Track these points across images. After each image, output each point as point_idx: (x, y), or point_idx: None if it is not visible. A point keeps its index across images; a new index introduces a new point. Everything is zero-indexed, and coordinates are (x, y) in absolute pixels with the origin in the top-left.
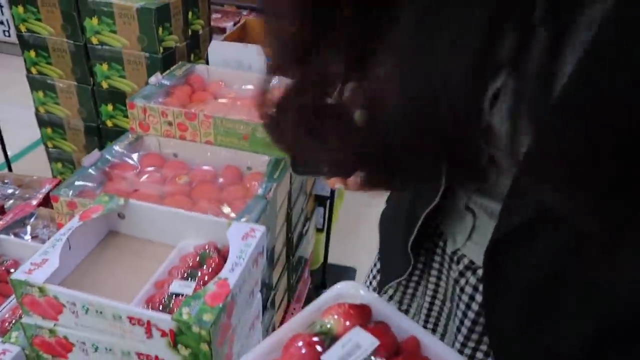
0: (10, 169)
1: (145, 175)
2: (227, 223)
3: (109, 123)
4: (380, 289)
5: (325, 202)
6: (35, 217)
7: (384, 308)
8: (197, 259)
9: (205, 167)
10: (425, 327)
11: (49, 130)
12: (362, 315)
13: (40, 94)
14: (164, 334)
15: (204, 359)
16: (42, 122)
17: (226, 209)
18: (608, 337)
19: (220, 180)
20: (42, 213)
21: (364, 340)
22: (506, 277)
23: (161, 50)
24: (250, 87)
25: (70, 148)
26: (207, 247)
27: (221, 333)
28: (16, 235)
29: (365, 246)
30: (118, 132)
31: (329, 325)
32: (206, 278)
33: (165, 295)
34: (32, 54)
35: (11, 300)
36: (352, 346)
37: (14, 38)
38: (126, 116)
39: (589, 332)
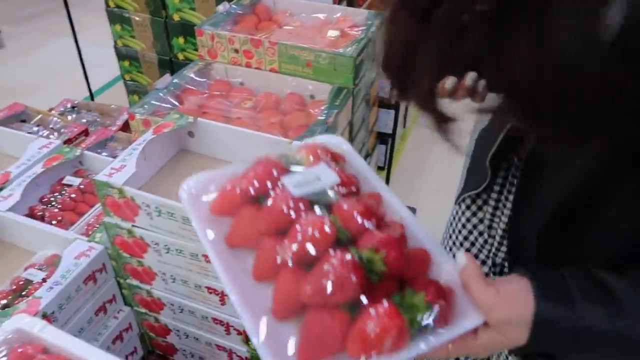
0: (92, 100)
1: (213, 100)
2: (288, 142)
3: (181, 56)
4: (456, 200)
5: (387, 140)
6: (115, 139)
7: (357, 164)
8: None
9: (270, 94)
10: None
11: (126, 63)
12: (332, 159)
13: (118, 27)
14: None
15: None
16: (120, 55)
17: (288, 133)
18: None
19: (283, 106)
20: (120, 136)
21: (326, 176)
22: (539, 190)
23: None
24: (315, 16)
25: (145, 81)
26: None
27: None
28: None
29: (425, 187)
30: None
31: (297, 157)
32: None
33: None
34: None
35: (96, 208)
36: (313, 177)
37: None
38: (196, 49)
39: (614, 252)
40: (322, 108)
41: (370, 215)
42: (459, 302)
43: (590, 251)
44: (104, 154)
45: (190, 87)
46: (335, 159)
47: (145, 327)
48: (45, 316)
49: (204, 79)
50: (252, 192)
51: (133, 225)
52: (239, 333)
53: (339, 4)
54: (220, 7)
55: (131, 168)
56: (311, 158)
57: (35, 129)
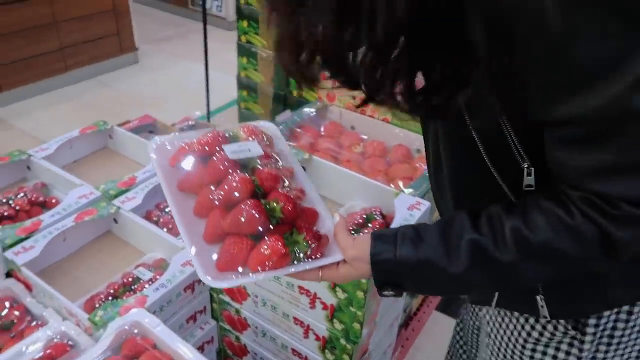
0: (208, 120)
1: (325, 140)
2: (394, 192)
3: (295, 93)
4: None
5: None
6: None
7: (282, 145)
8: (364, 218)
9: (379, 142)
10: None
11: (244, 92)
12: (263, 139)
13: (244, 59)
14: (325, 307)
15: (353, 336)
16: (240, 85)
17: (393, 183)
18: None
19: (390, 156)
20: None
21: (255, 149)
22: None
23: None
24: None
25: (258, 111)
26: (373, 210)
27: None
28: None
29: None
30: (300, 102)
31: (237, 133)
32: None
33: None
34: (245, 24)
35: None
36: (245, 148)
37: (224, 13)
38: (312, 89)
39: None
40: None
41: (278, 180)
42: (330, 247)
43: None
44: None
45: (306, 124)
46: (266, 139)
47: (224, 344)
48: None
49: (320, 119)
50: (200, 151)
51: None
52: None
53: None
54: None
55: None
56: (246, 135)
57: None
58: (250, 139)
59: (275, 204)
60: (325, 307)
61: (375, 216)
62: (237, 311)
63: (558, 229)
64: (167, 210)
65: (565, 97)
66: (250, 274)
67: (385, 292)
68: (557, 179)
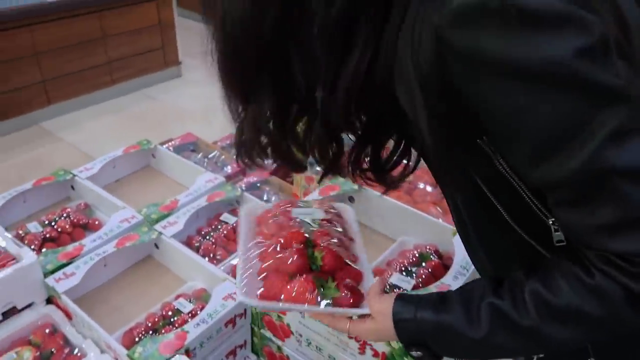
0: None
1: None
2: (452, 230)
3: None
4: None
5: None
6: (267, 182)
7: (350, 221)
8: (417, 256)
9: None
10: None
11: None
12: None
13: None
14: (375, 355)
15: None
16: None
17: (447, 218)
18: None
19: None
20: (272, 181)
21: (317, 214)
22: None
23: None
24: None
25: (300, 128)
26: (428, 248)
27: None
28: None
29: None
30: None
31: (308, 203)
32: (423, 277)
33: (386, 285)
34: None
35: None
36: (309, 212)
37: None
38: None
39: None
40: None
41: (327, 235)
42: (363, 304)
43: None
44: (255, 194)
45: None
46: (334, 213)
47: None
48: (187, 351)
49: None
50: (274, 212)
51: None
52: None
53: None
54: None
55: None
56: (315, 206)
57: (202, 159)
58: (317, 207)
59: (317, 253)
60: (376, 355)
61: (431, 256)
62: (279, 348)
63: (579, 291)
64: (207, 237)
65: (543, 165)
66: (277, 303)
67: (413, 353)
68: (570, 239)
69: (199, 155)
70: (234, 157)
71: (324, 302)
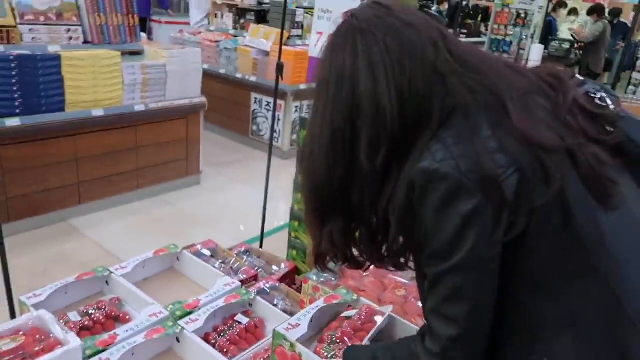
0: (262, 243)
1: (369, 283)
2: None
3: None
4: None
5: None
6: (277, 289)
7: None
8: None
9: None
10: None
11: (296, 223)
12: None
13: (299, 194)
14: None
15: None
16: (293, 216)
17: None
18: None
19: None
20: (281, 287)
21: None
22: None
23: None
24: None
25: (307, 241)
26: None
27: None
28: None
29: None
30: None
31: None
32: None
33: None
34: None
35: (255, 346)
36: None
37: (280, 144)
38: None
39: None
40: None
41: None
42: None
43: None
44: (265, 298)
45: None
46: None
47: None
48: None
49: None
50: None
51: None
52: None
53: None
54: None
55: (304, 328)
56: None
57: (219, 264)
58: None
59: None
60: None
61: None
62: None
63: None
64: (222, 334)
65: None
66: None
67: None
68: None
69: (218, 261)
70: (283, 261)
71: None
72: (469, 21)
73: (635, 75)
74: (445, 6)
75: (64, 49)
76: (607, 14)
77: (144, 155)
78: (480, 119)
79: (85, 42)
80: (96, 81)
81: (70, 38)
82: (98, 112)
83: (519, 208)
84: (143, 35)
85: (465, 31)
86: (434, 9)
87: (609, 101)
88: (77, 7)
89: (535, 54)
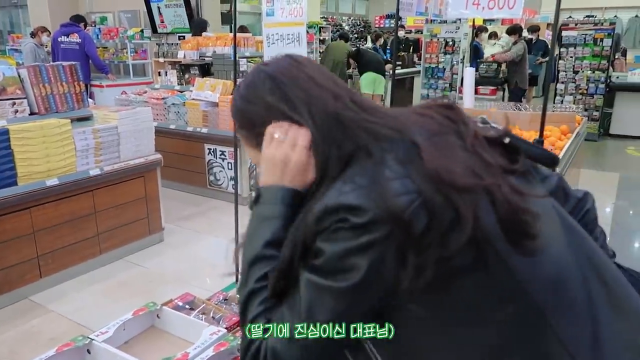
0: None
1: None
2: None
3: None
4: None
5: None
6: None
7: None
8: None
9: None
10: None
11: None
12: None
13: None
14: None
15: None
16: None
17: None
18: None
19: None
20: None
21: None
22: None
23: None
24: None
25: None
26: None
27: None
28: None
29: None
30: None
31: None
32: None
33: None
34: None
35: None
36: None
37: (240, 190)
38: None
39: None
40: None
41: None
42: None
43: None
44: None
45: None
46: None
47: None
48: None
49: None
50: None
51: None
52: None
53: None
54: None
55: None
56: None
57: (200, 315)
58: None
59: None
60: None
61: None
62: None
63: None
64: None
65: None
66: None
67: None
68: None
69: (198, 312)
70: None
71: None
72: (402, 53)
73: (559, 86)
74: (381, 42)
75: (10, 123)
76: (526, 31)
77: (104, 219)
78: (385, 157)
79: (32, 113)
80: (47, 150)
81: (16, 111)
82: (52, 182)
83: (427, 248)
84: (90, 100)
85: (400, 63)
86: (369, 45)
87: (494, 125)
88: (20, 81)
89: (468, 77)
